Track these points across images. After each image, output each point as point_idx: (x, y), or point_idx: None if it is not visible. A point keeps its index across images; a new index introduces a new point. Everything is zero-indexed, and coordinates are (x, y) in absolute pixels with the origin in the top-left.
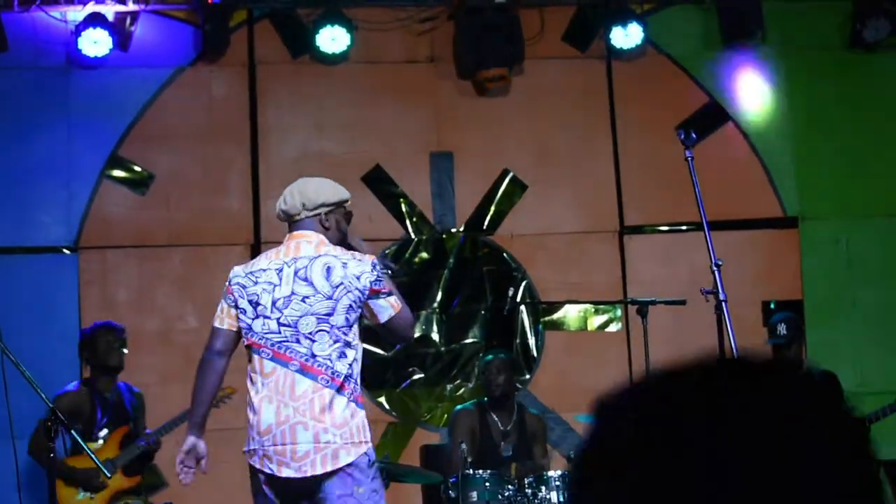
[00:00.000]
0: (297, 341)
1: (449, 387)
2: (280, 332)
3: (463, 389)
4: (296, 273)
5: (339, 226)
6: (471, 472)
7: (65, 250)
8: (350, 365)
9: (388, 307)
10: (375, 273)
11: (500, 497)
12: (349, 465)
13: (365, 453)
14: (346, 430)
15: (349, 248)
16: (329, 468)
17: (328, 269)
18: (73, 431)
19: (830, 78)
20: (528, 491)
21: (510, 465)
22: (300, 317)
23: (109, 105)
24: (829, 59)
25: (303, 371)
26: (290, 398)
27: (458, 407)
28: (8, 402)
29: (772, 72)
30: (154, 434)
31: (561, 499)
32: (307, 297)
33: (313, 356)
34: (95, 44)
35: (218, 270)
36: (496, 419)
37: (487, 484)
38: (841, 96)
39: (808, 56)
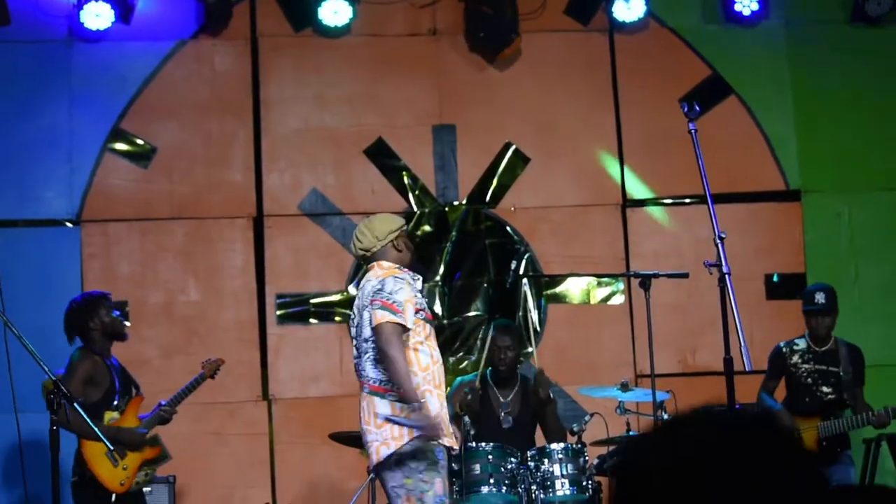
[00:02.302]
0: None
1: (451, 359)
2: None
3: (466, 362)
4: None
5: (407, 246)
6: (473, 444)
7: (67, 223)
8: (386, 370)
9: (372, 318)
10: (379, 285)
11: (502, 470)
12: (390, 457)
13: (407, 446)
14: (386, 428)
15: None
16: (374, 463)
17: (363, 290)
18: (76, 405)
19: (833, 52)
20: (531, 464)
21: (510, 434)
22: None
23: (112, 78)
24: (831, 33)
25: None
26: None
27: (460, 378)
28: (11, 374)
29: (774, 45)
30: (170, 403)
31: (563, 471)
32: (355, 319)
33: (361, 367)
34: (97, 17)
35: (220, 243)
36: (497, 392)
37: (490, 457)
38: (844, 70)
39: (811, 30)
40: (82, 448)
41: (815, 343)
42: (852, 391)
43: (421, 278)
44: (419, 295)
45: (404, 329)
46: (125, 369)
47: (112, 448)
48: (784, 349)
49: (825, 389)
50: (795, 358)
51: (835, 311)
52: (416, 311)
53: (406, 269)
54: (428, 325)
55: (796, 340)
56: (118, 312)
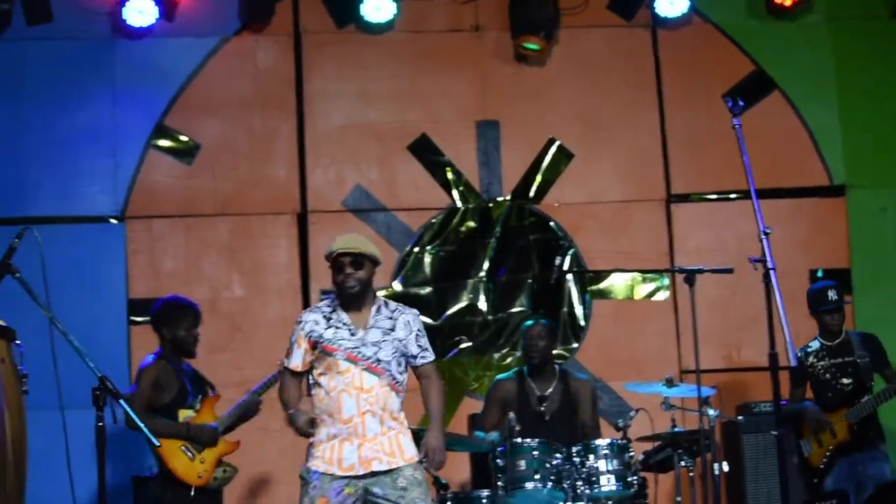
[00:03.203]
0: None
1: (496, 355)
2: None
3: (510, 358)
4: None
5: (334, 272)
6: (519, 440)
7: (111, 220)
8: None
9: None
10: None
11: (547, 465)
12: None
13: None
14: None
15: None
16: None
17: None
18: (122, 402)
19: (876, 46)
20: (576, 459)
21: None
22: None
23: (155, 75)
24: (874, 28)
25: None
26: None
27: (498, 376)
28: (56, 371)
29: (818, 40)
30: (253, 395)
31: (609, 467)
32: None
33: None
34: (141, 14)
35: (264, 240)
36: (534, 386)
37: (535, 452)
38: (887, 65)
39: (854, 25)
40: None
41: (827, 339)
42: (881, 372)
43: (331, 314)
44: (322, 326)
45: (292, 371)
46: (198, 373)
47: (152, 440)
48: (800, 355)
49: (845, 381)
50: (812, 359)
51: (844, 305)
52: (314, 346)
53: (334, 297)
54: (329, 358)
55: (809, 344)
56: (197, 330)
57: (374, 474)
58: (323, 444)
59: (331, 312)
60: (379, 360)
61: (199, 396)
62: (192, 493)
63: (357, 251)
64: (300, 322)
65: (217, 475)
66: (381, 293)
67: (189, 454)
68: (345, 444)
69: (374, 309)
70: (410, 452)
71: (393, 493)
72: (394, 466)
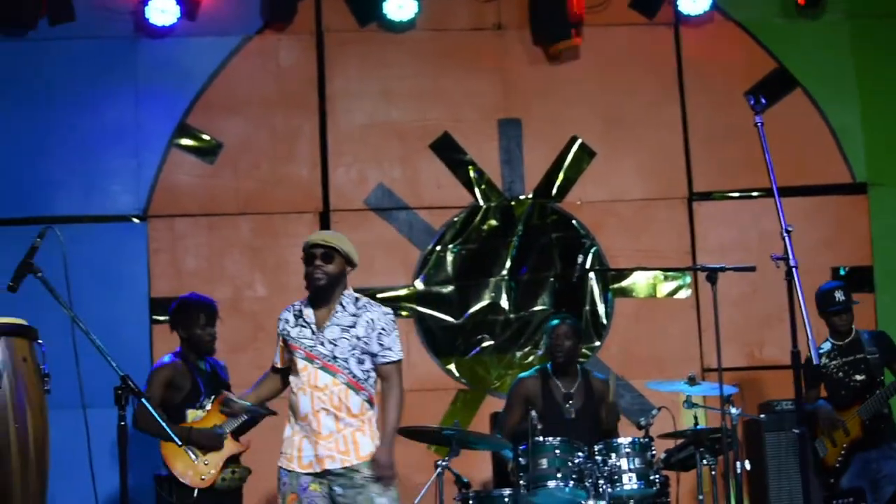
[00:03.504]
0: None
1: (518, 354)
2: None
3: (532, 357)
4: None
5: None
6: (540, 439)
7: (134, 219)
8: None
9: None
10: None
11: (570, 464)
12: None
13: None
14: None
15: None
16: None
17: None
18: (144, 401)
19: None
20: (598, 458)
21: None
22: None
23: (177, 74)
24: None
25: None
26: None
27: (521, 374)
28: (79, 370)
29: (839, 38)
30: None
31: (630, 466)
32: None
33: None
34: (163, 13)
35: (286, 238)
36: (559, 384)
37: (557, 451)
38: None
39: (875, 22)
40: (160, 445)
41: (837, 339)
42: (892, 368)
43: (301, 311)
44: (291, 324)
45: (273, 367)
46: (217, 373)
47: (180, 444)
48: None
49: (857, 378)
50: (824, 360)
51: (852, 305)
52: (285, 343)
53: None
54: (292, 356)
55: (821, 345)
56: (213, 328)
57: (331, 472)
58: (288, 440)
59: (300, 310)
60: (335, 358)
61: (212, 397)
62: (196, 495)
63: (328, 244)
64: (279, 321)
65: (225, 476)
66: (402, 291)
67: (193, 456)
68: (303, 441)
69: (339, 306)
70: (367, 450)
71: (351, 491)
72: (347, 465)
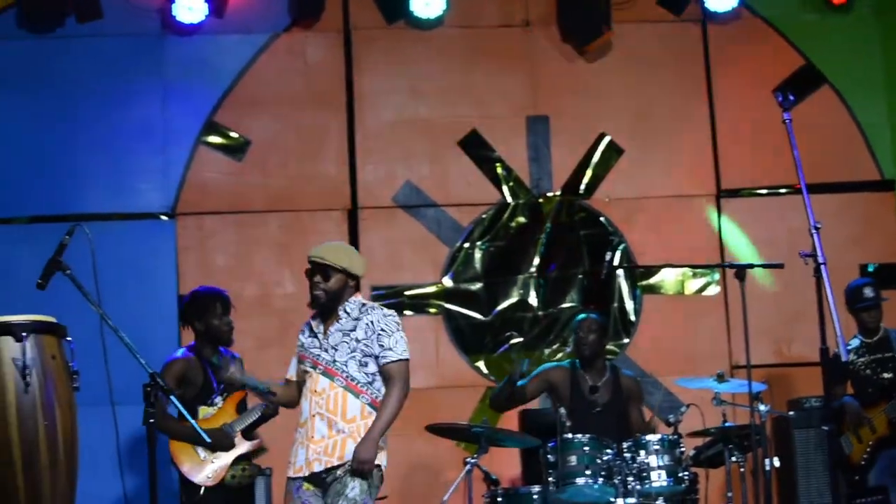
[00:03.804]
0: None
1: (546, 351)
2: None
3: (560, 354)
4: None
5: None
6: (569, 436)
7: (162, 217)
8: None
9: None
10: None
11: (598, 461)
12: None
13: None
14: None
15: None
16: None
17: None
18: (172, 398)
19: None
20: (627, 455)
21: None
22: None
23: (205, 71)
24: None
25: None
26: None
27: (549, 363)
28: (107, 368)
29: (867, 34)
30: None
31: (659, 463)
32: None
33: None
34: (191, 10)
35: (314, 236)
36: (586, 377)
37: (586, 448)
38: None
39: None
40: (168, 441)
41: (866, 336)
42: None
43: (312, 324)
44: (305, 336)
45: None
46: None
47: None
48: (838, 353)
49: (885, 375)
50: (852, 356)
51: (881, 302)
52: (300, 357)
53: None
54: (305, 365)
55: (849, 342)
56: (229, 317)
57: (317, 475)
58: (292, 447)
59: (312, 322)
60: (335, 362)
61: (224, 395)
62: (202, 493)
63: (324, 262)
64: (299, 335)
65: (235, 473)
66: (430, 289)
67: (201, 454)
68: (298, 447)
69: (342, 313)
70: (352, 453)
71: (332, 486)
72: (329, 466)
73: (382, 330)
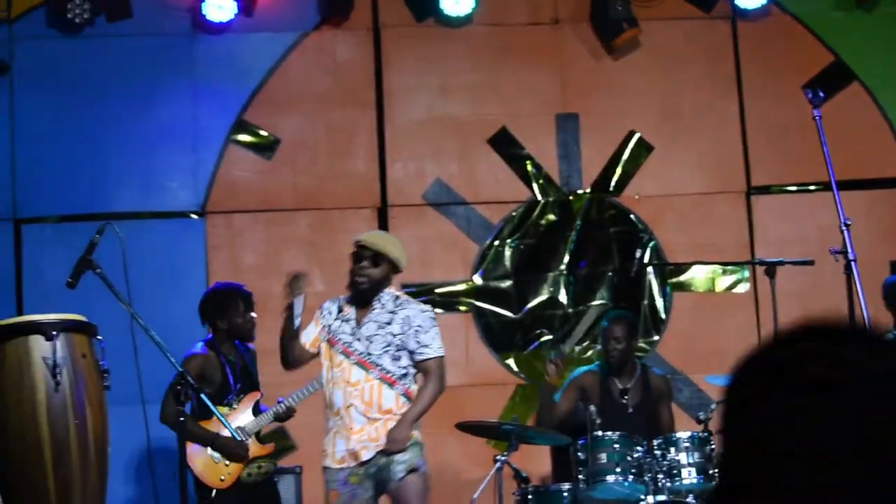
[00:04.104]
0: None
1: (577, 348)
2: None
3: (591, 351)
4: None
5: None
6: (599, 433)
7: (192, 215)
8: None
9: None
10: None
11: (629, 459)
12: None
13: None
14: None
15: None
16: None
17: None
18: (202, 395)
19: None
20: (658, 452)
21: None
22: None
23: (235, 70)
24: None
25: None
26: None
27: (580, 368)
28: (138, 366)
29: None
30: (287, 402)
31: (690, 460)
32: None
33: None
34: (220, 9)
35: (344, 234)
36: (616, 379)
37: (616, 445)
38: None
39: None
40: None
41: None
42: None
43: (344, 307)
44: (333, 316)
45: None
46: (247, 366)
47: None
48: None
49: None
50: None
51: None
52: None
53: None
54: (331, 350)
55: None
56: (251, 312)
57: (366, 462)
58: (326, 437)
59: (343, 304)
60: (369, 354)
61: (241, 395)
62: (214, 495)
63: (377, 249)
64: (321, 308)
65: (251, 471)
66: (460, 286)
67: (215, 457)
68: (337, 437)
69: (377, 303)
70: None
71: (385, 470)
72: (380, 449)
73: (419, 326)
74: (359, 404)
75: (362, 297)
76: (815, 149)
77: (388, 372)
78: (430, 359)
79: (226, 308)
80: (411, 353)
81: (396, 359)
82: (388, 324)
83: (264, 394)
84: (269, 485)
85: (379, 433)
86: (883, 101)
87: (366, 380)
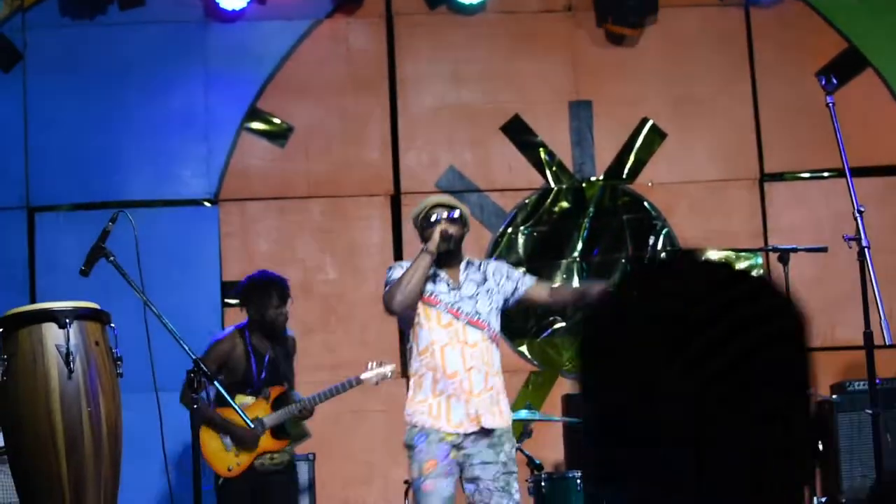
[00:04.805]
0: None
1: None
2: None
3: None
4: None
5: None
6: None
7: (205, 203)
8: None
9: None
10: None
11: None
12: None
13: None
14: None
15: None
16: None
17: None
18: (216, 383)
19: None
20: None
21: None
22: None
23: (248, 58)
24: None
25: None
26: None
27: None
28: (151, 353)
29: None
30: (309, 401)
31: None
32: None
33: None
34: None
35: (357, 221)
36: None
37: None
38: None
39: None
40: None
41: None
42: None
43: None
44: (428, 286)
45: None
46: (276, 362)
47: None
48: None
49: None
50: None
51: None
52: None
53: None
54: (432, 309)
55: None
56: (285, 307)
57: (481, 433)
58: (428, 400)
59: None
60: (479, 313)
61: (265, 390)
62: (220, 482)
63: (460, 208)
64: (399, 266)
65: (264, 461)
66: None
67: (228, 445)
68: (451, 400)
69: (463, 265)
70: (508, 414)
71: (489, 451)
72: (498, 426)
73: (508, 270)
74: (480, 366)
75: (450, 257)
76: (828, 136)
77: (496, 331)
78: (535, 279)
79: (259, 299)
80: (515, 290)
81: (497, 318)
82: (485, 280)
83: (293, 387)
84: (284, 474)
85: (498, 406)
86: None
87: (483, 340)
